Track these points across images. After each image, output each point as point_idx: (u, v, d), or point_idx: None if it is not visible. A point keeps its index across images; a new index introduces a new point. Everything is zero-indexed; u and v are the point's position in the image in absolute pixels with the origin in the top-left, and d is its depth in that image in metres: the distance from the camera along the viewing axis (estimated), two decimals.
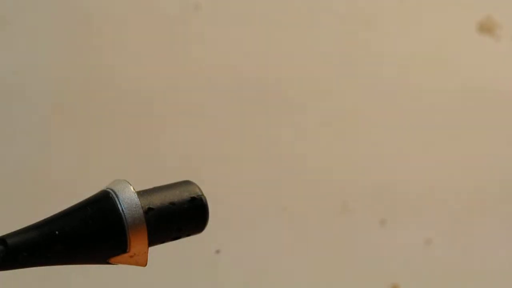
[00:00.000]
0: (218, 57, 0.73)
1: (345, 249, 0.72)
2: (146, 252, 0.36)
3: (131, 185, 0.36)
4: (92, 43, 0.73)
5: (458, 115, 0.75)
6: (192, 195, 0.38)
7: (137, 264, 0.36)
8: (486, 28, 0.71)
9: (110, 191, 0.36)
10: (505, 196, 0.75)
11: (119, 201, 0.35)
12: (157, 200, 0.37)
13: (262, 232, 0.73)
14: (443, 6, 0.75)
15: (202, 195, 0.38)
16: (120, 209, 0.35)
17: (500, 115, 0.75)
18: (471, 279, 0.73)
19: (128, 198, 0.36)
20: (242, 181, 0.73)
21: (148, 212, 0.36)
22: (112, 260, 0.36)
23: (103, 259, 0.36)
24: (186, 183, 0.38)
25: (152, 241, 0.36)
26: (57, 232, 0.34)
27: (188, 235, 0.38)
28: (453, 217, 0.73)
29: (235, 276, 0.72)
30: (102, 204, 0.36)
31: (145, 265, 0.37)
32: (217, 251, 0.70)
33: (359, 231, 0.72)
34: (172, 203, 0.37)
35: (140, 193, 0.37)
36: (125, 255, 0.36)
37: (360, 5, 0.74)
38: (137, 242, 0.36)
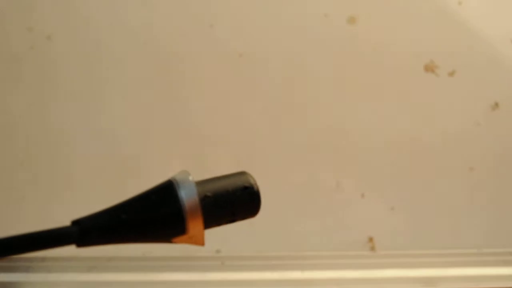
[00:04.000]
0: None
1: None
2: (203, 234, 0.42)
3: (190, 175, 0.42)
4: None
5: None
6: (245, 184, 0.43)
7: (195, 243, 0.42)
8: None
9: (174, 181, 0.41)
10: None
11: (179, 190, 0.41)
12: (213, 189, 0.42)
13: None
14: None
15: (255, 184, 0.43)
16: (180, 197, 0.41)
17: None
18: None
19: (188, 187, 0.41)
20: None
21: (205, 199, 0.41)
22: (173, 240, 0.41)
23: (166, 239, 0.41)
24: (241, 174, 0.43)
25: (208, 224, 0.42)
26: (123, 216, 0.40)
27: (243, 218, 0.43)
28: None
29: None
30: (165, 193, 0.41)
31: (203, 244, 0.42)
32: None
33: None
34: (227, 191, 0.42)
35: (199, 183, 0.42)
36: (185, 236, 0.41)
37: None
38: (194, 225, 0.41)
